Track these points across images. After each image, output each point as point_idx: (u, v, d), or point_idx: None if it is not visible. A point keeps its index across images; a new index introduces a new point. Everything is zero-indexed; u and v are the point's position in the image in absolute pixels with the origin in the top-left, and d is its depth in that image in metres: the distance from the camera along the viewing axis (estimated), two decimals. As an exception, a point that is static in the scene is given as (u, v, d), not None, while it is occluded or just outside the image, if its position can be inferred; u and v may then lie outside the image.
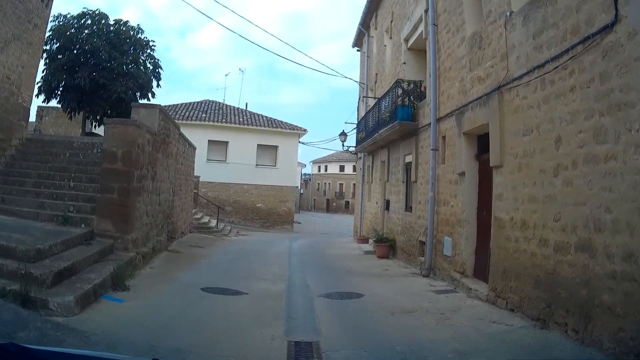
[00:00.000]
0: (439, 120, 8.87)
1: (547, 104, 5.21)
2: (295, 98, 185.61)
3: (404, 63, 12.02)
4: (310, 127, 66.14)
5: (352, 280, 8.53)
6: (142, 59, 15.19)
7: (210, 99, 28.79)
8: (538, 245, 5.20)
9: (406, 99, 10.67)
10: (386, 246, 11.99)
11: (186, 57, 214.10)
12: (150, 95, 14.97)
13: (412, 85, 10.76)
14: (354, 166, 47.99)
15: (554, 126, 5.06)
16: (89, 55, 14.36)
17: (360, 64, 20.65)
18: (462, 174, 7.58)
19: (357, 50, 21.42)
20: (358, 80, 20.31)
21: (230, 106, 28.39)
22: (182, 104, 26.89)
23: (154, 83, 15.35)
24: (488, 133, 6.71)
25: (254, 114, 27.59)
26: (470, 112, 7.30)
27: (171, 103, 26.23)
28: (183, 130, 13.37)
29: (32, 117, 23.23)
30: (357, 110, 20.29)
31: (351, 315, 5.77)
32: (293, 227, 26.09)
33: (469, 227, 7.33)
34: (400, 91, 10.71)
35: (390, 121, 11.08)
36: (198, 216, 18.26)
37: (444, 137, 8.65)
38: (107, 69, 14.01)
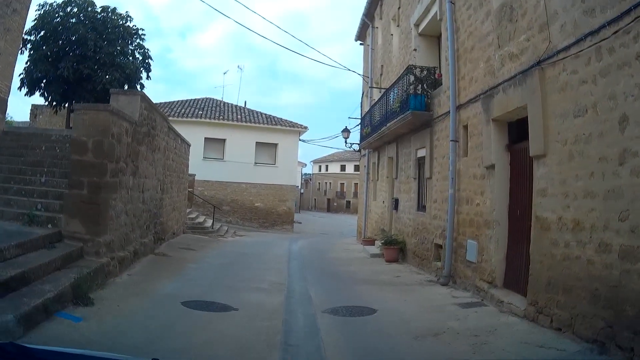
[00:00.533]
0: (459, 107, 7.83)
1: (606, 77, 4.25)
2: (296, 99, 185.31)
3: (415, 50, 11.00)
4: (311, 129, 65.07)
5: (360, 289, 7.52)
6: (131, 49, 14.18)
7: (207, 97, 27.84)
8: (597, 251, 4.20)
9: (419, 87, 9.63)
10: (395, 249, 10.97)
11: (187, 58, 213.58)
12: (139, 87, 13.94)
13: (425, 72, 9.72)
14: (355, 166, 47.20)
15: (616, 103, 4.10)
16: (75, 46, 13.37)
17: (363, 57, 19.77)
18: (491, 167, 6.51)
19: (360, 44, 20.52)
20: (362, 74, 19.34)
21: (228, 103, 27.61)
22: (178, 101, 25.99)
23: (144, 74, 14.35)
24: (523, 118, 5.71)
25: (252, 111, 26.77)
26: (501, 94, 6.25)
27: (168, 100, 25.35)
28: (179, 128, 12.43)
29: (27, 116, 22.47)
30: (361, 107, 19.37)
31: (365, 339, 4.72)
32: (293, 227, 25.17)
33: (500, 229, 6.26)
34: (412, 78, 9.66)
35: (401, 112, 10.06)
36: (193, 216, 17.41)
37: (465, 127, 7.61)
38: (92, 59, 13.00)
